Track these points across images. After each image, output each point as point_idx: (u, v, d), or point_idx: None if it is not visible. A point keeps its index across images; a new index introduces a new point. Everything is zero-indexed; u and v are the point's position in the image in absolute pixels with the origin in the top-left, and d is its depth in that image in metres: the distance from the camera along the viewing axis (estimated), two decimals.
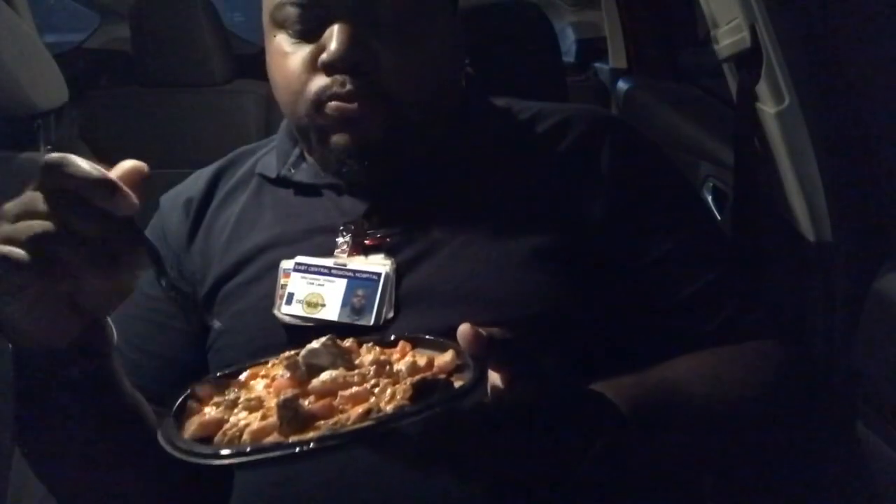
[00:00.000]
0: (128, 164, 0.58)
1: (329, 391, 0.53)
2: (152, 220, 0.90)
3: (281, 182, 0.84)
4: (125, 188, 0.56)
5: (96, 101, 2.47)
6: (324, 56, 0.73)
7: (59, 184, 0.55)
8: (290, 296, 0.75)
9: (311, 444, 0.46)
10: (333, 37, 0.73)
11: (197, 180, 0.90)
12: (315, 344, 0.56)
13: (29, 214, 0.55)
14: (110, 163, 0.59)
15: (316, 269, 0.76)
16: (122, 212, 0.55)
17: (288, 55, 0.76)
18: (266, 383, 0.57)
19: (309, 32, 0.75)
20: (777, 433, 0.73)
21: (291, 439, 0.48)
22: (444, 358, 0.55)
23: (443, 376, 0.52)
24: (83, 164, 0.55)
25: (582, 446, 0.56)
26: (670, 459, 0.65)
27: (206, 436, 0.53)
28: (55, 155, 0.55)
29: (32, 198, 0.55)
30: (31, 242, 0.53)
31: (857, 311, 0.87)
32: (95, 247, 0.54)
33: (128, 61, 2.55)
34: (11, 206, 0.56)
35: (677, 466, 0.66)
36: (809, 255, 0.94)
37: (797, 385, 0.75)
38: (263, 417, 0.52)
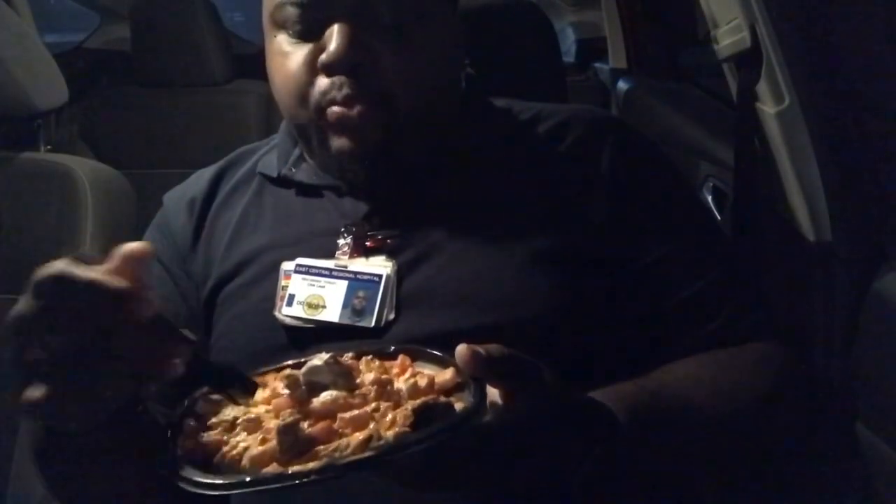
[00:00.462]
0: (128, 249, 0.53)
1: (329, 412, 0.52)
2: (156, 219, 0.89)
3: (282, 182, 0.84)
4: (141, 289, 0.51)
5: (96, 101, 2.47)
6: (323, 56, 0.73)
7: (57, 303, 0.50)
8: (291, 297, 0.75)
9: (312, 476, 0.46)
10: (333, 37, 0.72)
11: (199, 180, 0.90)
12: (317, 361, 0.55)
13: (30, 329, 0.50)
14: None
15: (317, 271, 0.76)
16: (143, 314, 0.51)
17: (288, 55, 0.76)
18: (265, 398, 0.57)
19: (309, 33, 0.75)
20: (777, 435, 0.73)
21: (291, 469, 0.48)
22: (445, 376, 0.55)
23: (443, 398, 0.52)
24: (81, 276, 0.50)
25: (580, 456, 0.56)
26: (669, 466, 0.65)
27: (206, 457, 0.52)
28: (47, 273, 0.50)
29: (28, 314, 0.50)
30: (54, 381, 0.50)
31: (856, 312, 0.87)
32: (127, 360, 0.51)
33: (128, 61, 2.55)
34: (16, 311, 0.50)
35: (676, 472, 0.66)
36: (809, 255, 0.94)
37: (797, 387, 0.75)
38: (263, 441, 0.51)
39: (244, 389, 0.57)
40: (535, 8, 1.34)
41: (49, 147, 1.50)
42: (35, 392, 0.51)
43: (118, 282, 0.51)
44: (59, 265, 0.51)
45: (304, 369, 0.55)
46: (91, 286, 0.50)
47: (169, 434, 0.55)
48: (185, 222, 0.86)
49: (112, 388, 0.52)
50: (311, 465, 0.48)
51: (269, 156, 0.88)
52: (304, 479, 0.46)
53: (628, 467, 0.59)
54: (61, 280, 0.50)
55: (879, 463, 0.83)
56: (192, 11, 2.38)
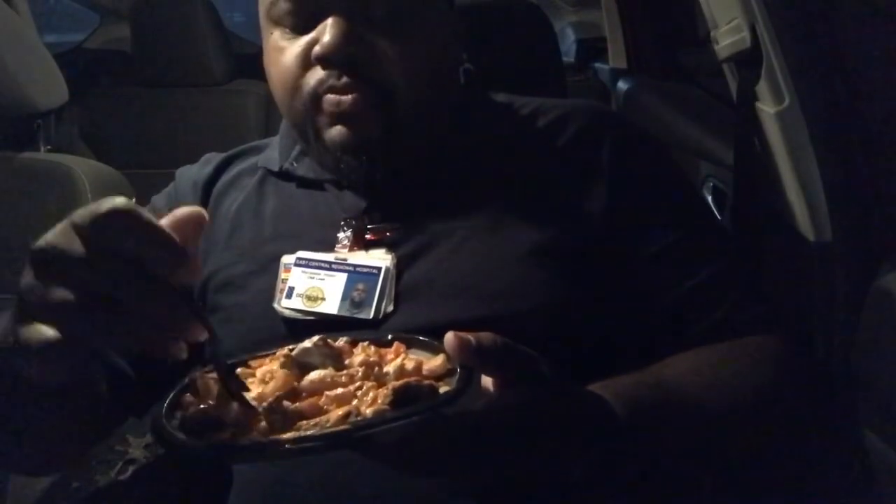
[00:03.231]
0: (186, 211, 0.50)
1: (317, 390, 0.53)
2: (167, 189, 0.90)
3: (283, 175, 0.85)
4: (193, 253, 0.48)
5: (96, 101, 2.47)
6: (317, 49, 0.73)
7: (113, 242, 0.46)
8: (291, 290, 0.75)
9: (287, 446, 0.47)
10: (327, 30, 0.73)
11: (206, 164, 0.91)
12: (307, 343, 0.56)
13: (70, 267, 0.46)
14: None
15: (317, 264, 0.76)
16: (184, 281, 0.48)
17: (283, 50, 0.76)
18: (263, 372, 0.57)
19: (303, 27, 0.76)
20: (777, 431, 0.72)
21: (270, 438, 0.48)
22: (435, 362, 0.55)
23: (429, 382, 0.52)
24: (147, 222, 0.46)
25: (578, 451, 0.56)
26: (669, 461, 0.65)
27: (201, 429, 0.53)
28: (115, 204, 0.46)
29: (72, 252, 0.46)
30: (65, 323, 0.46)
31: (857, 312, 0.87)
32: (143, 322, 0.47)
33: (128, 61, 2.55)
34: (52, 245, 0.47)
35: (676, 468, 0.66)
36: (809, 255, 0.94)
37: (797, 381, 0.75)
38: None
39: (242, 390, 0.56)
40: (535, 8, 1.35)
41: (49, 147, 1.50)
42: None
43: (177, 239, 0.48)
44: (121, 201, 0.46)
45: (295, 351, 0.56)
46: (155, 233, 0.47)
47: (166, 405, 0.54)
48: (190, 203, 0.86)
49: (120, 347, 0.48)
50: (287, 435, 0.48)
51: (271, 151, 0.88)
52: (279, 448, 0.47)
53: (627, 462, 0.59)
54: (126, 216, 0.46)
55: (880, 463, 0.83)
56: (192, 11, 2.38)
